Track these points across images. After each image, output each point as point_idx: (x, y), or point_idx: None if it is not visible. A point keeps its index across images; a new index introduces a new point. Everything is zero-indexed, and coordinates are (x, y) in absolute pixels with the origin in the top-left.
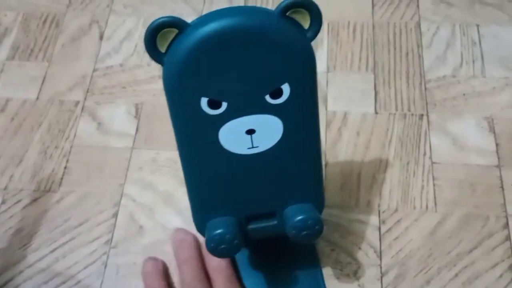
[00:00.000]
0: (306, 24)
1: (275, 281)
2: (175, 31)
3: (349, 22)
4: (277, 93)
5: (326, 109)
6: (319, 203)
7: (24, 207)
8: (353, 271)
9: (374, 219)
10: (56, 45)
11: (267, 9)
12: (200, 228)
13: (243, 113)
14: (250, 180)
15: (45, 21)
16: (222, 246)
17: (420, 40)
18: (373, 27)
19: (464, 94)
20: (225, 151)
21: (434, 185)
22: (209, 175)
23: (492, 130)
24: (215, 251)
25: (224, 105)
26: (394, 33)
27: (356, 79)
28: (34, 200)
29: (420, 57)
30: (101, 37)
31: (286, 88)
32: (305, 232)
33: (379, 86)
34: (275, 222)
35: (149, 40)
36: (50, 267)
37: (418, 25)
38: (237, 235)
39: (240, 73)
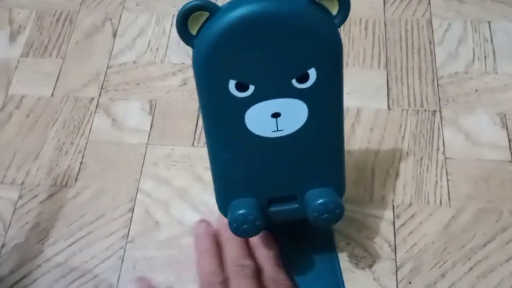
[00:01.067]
0: (334, 10)
1: (292, 265)
2: (206, 14)
3: (361, 19)
4: (304, 78)
5: None
6: (340, 188)
7: (41, 202)
8: (368, 265)
9: (388, 214)
10: (70, 42)
11: None
12: (223, 208)
13: (270, 96)
14: (273, 163)
15: (58, 19)
16: (245, 226)
17: (432, 36)
18: (385, 24)
19: (476, 90)
20: (251, 133)
21: (447, 180)
22: (234, 157)
23: (504, 125)
24: (238, 231)
25: (252, 88)
26: (406, 30)
27: (368, 75)
28: (51, 195)
29: (432, 53)
30: (114, 34)
31: (312, 73)
32: (325, 215)
33: (392, 83)
34: (296, 205)
35: (181, 23)
36: (67, 261)
37: (430, 21)
38: (259, 216)
39: (268, 57)
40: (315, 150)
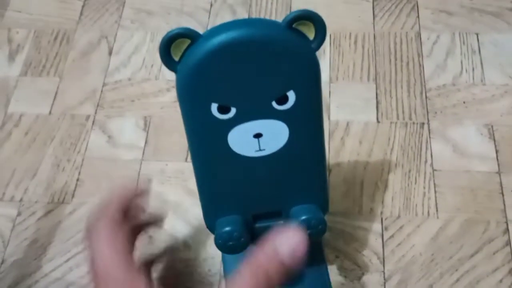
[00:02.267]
0: (311, 35)
1: None
2: (188, 41)
3: (350, 33)
4: (283, 100)
5: (329, 118)
6: (323, 204)
7: (39, 219)
8: (357, 277)
9: (377, 226)
10: (67, 61)
11: (275, 21)
12: (210, 226)
13: (251, 118)
14: (257, 181)
15: (56, 38)
16: (230, 243)
17: (421, 49)
18: (374, 37)
19: (464, 102)
20: (234, 154)
21: (435, 191)
22: (219, 176)
23: (492, 137)
24: (223, 248)
25: (233, 110)
26: (395, 43)
27: (358, 88)
28: (48, 212)
29: (421, 66)
30: (110, 52)
31: (291, 95)
32: (309, 231)
33: (381, 96)
34: (282, 221)
35: (164, 49)
36: (64, 277)
37: (419, 34)
38: (244, 233)
39: (249, 80)
40: (298, 168)
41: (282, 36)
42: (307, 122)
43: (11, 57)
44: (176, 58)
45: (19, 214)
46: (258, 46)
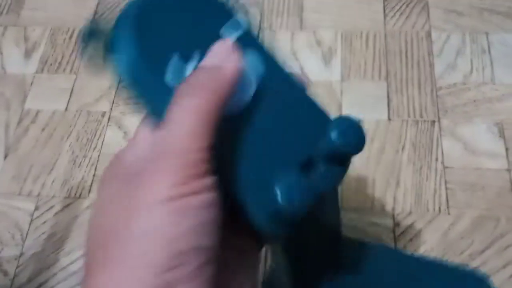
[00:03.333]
0: None
1: None
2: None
3: (362, 32)
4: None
5: None
6: None
7: (56, 213)
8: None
9: (389, 222)
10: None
11: None
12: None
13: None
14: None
15: (71, 35)
16: None
17: (431, 48)
18: (385, 36)
19: (474, 101)
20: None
21: (446, 188)
22: None
23: (502, 135)
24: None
25: (195, 57)
26: (406, 42)
27: (369, 87)
28: (66, 206)
29: (431, 65)
30: None
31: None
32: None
33: (392, 94)
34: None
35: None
36: (82, 270)
37: (429, 33)
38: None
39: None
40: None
41: None
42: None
43: (28, 54)
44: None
45: (36, 208)
46: None
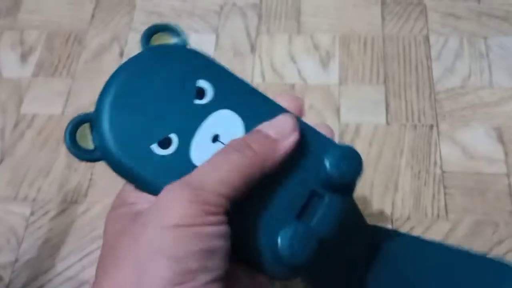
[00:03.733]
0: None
1: None
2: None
3: (359, 36)
4: (201, 92)
5: (339, 120)
6: None
7: (52, 218)
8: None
9: (387, 227)
10: (79, 62)
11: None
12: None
13: (189, 128)
14: None
15: (68, 39)
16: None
17: (429, 52)
18: (383, 40)
19: (472, 105)
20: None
21: (445, 193)
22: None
23: (500, 139)
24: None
25: (174, 137)
26: (404, 46)
27: (367, 91)
28: (62, 211)
29: (429, 69)
30: (121, 54)
31: (204, 84)
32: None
33: (390, 98)
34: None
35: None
36: (77, 276)
37: (427, 37)
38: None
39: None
40: None
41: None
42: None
43: (24, 58)
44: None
45: (32, 213)
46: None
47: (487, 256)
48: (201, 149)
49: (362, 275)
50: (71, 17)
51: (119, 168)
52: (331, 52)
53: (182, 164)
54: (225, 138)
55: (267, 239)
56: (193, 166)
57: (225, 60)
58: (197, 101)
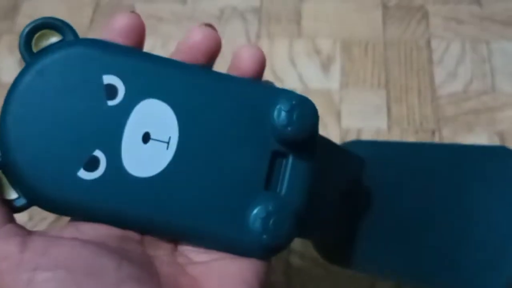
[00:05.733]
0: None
1: None
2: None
3: (360, 40)
4: (112, 91)
5: (339, 125)
6: None
7: (50, 224)
8: (370, 284)
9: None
10: None
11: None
12: None
13: (115, 139)
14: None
15: None
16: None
17: (431, 57)
18: (385, 44)
19: (475, 110)
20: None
21: None
22: None
23: (503, 144)
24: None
25: (99, 155)
26: (405, 51)
27: (369, 95)
28: (59, 217)
29: (431, 73)
30: None
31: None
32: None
33: (392, 103)
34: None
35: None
36: None
37: (429, 42)
38: None
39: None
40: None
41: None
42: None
43: (23, 63)
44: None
45: (30, 219)
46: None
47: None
48: (134, 155)
49: (357, 208)
50: (70, 21)
51: (56, 210)
52: (332, 56)
53: (119, 179)
54: (157, 134)
55: (236, 224)
56: (133, 178)
57: (225, 64)
58: (111, 102)
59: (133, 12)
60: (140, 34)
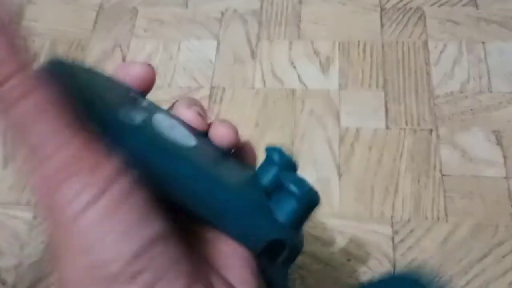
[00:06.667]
0: None
1: None
2: None
3: (359, 42)
4: None
5: (339, 125)
6: None
7: None
8: (369, 280)
9: (387, 230)
10: None
11: None
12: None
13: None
14: None
15: (71, 46)
16: None
17: (428, 57)
18: (383, 46)
19: (471, 109)
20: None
21: (444, 196)
22: None
23: (499, 143)
24: None
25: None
26: (403, 52)
27: (367, 96)
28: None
29: (429, 74)
30: (123, 60)
31: None
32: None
33: (390, 103)
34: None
35: None
36: None
37: (426, 43)
38: None
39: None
40: None
41: None
42: None
43: None
44: None
45: (35, 217)
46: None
47: None
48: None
49: None
50: (74, 25)
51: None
52: (331, 57)
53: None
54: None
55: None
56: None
57: (226, 66)
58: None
59: (149, 65)
60: (149, 84)
